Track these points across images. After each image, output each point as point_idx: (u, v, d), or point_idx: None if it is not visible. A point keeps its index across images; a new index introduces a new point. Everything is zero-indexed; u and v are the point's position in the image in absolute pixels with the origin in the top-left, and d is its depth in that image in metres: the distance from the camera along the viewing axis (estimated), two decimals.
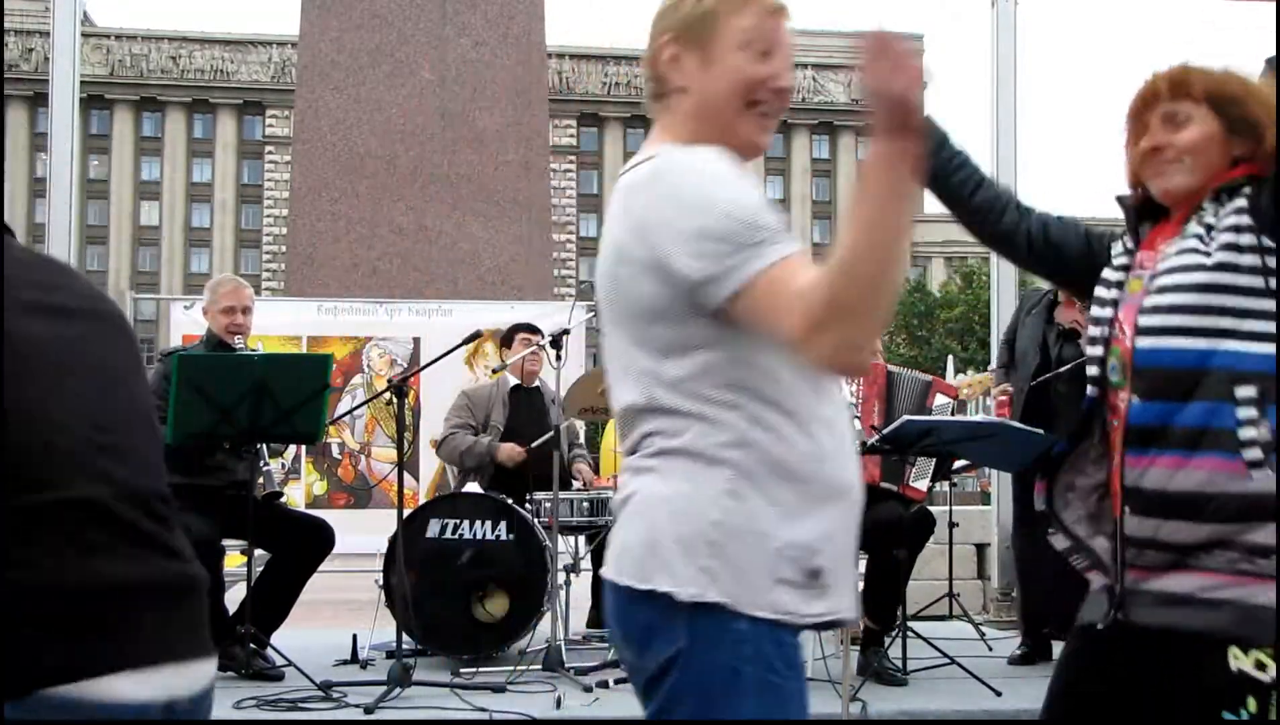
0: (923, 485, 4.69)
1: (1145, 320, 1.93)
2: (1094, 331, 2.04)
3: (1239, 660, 1.75)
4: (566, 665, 4.57)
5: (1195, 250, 1.93)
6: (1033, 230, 2.19)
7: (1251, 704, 1.74)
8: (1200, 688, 1.80)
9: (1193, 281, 1.90)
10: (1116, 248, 2.12)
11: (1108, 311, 2.02)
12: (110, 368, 1.34)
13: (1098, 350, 2.01)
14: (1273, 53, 4.34)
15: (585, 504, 5.32)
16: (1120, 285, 2.03)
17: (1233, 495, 1.79)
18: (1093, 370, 2.03)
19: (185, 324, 8.15)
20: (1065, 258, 2.19)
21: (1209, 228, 1.94)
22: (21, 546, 1.15)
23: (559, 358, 4.92)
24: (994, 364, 5.59)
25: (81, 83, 7.50)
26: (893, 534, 4.47)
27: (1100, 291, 2.06)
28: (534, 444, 5.37)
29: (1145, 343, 1.91)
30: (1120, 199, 2.16)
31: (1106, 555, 1.93)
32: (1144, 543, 1.86)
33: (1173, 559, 1.83)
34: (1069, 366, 4.65)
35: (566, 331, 5.00)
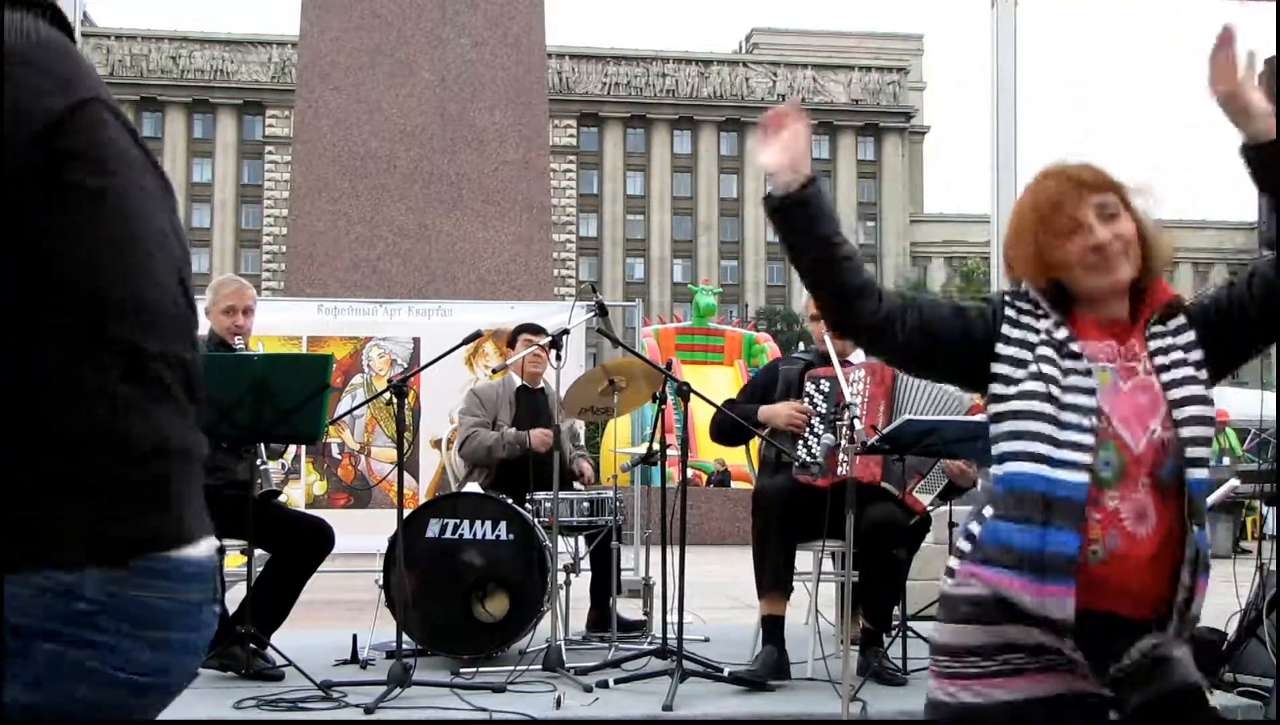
0: (926, 500, 4.70)
1: (1192, 452, 1.97)
2: (1073, 418, 1.96)
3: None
4: (566, 665, 4.57)
5: (1193, 379, 2.01)
6: (907, 318, 2.08)
7: None
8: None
9: (1206, 414, 1.99)
10: (1017, 320, 2.06)
11: (1086, 400, 1.96)
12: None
13: (1086, 438, 1.94)
14: (1273, 53, 4.35)
15: (585, 504, 5.32)
16: (1071, 372, 1.98)
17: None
18: (1082, 457, 1.94)
19: None
20: (939, 345, 2.10)
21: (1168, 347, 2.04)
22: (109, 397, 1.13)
23: (559, 358, 4.92)
24: None
25: None
26: (890, 534, 4.47)
27: (1067, 363, 1.99)
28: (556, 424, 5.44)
29: (1194, 474, 1.96)
30: (1037, 290, 2.08)
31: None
32: (1148, 649, 1.95)
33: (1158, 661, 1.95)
34: None
35: (566, 331, 5.00)
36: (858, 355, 4.86)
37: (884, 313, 2.06)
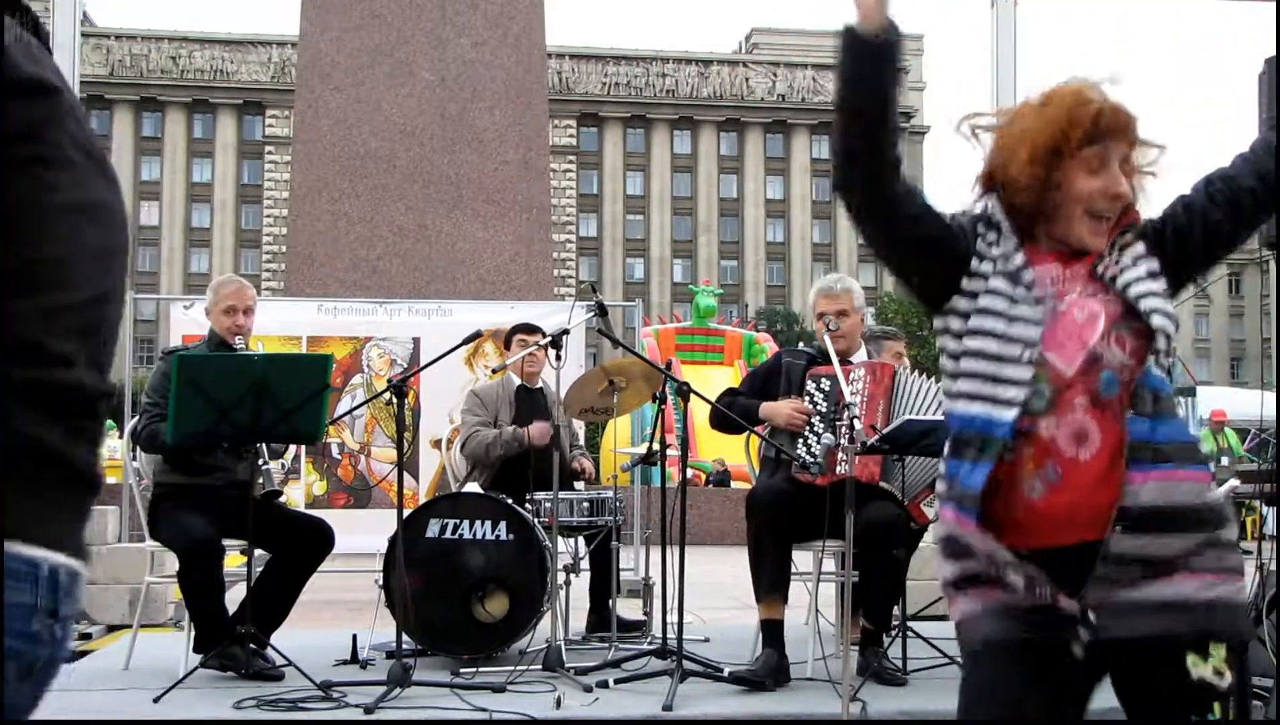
0: (931, 514, 4.68)
1: (1154, 346, 1.90)
2: (1014, 351, 1.90)
3: (1199, 668, 1.81)
4: (566, 665, 4.57)
5: (1149, 288, 1.94)
6: (916, 201, 2.01)
7: (1216, 709, 1.82)
8: (1162, 697, 1.86)
9: (1166, 309, 1.93)
10: (991, 245, 2.00)
11: (1030, 331, 1.90)
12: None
13: (1024, 372, 1.88)
14: (1273, 53, 4.35)
15: (585, 504, 5.32)
16: (1020, 302, 1.93)
17: (1212, 503, 1.88)
18: (1014, 392, 1.88)
19: (185, 324, 8.14)
20: (931, 241, 2.02)
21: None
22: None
23: (559, 358, 4.92)
24: None
25: (81, 83, 7.50)
26: (890, 534, 4.47)
27: (1019, 292, 1.94)
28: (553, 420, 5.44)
29: (1152, 371, 1.90)
30: (994, 207, 2.02)
31: (1020, 573, 1.86)
32: (1130, 559, 1.84)
33: (1155, 570, 1.84)
34: None
35: (566, 331, 4.99)
36: (859, 355, 4.86)
37: (905, 188, 1.98)
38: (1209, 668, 1.81)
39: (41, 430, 1.10)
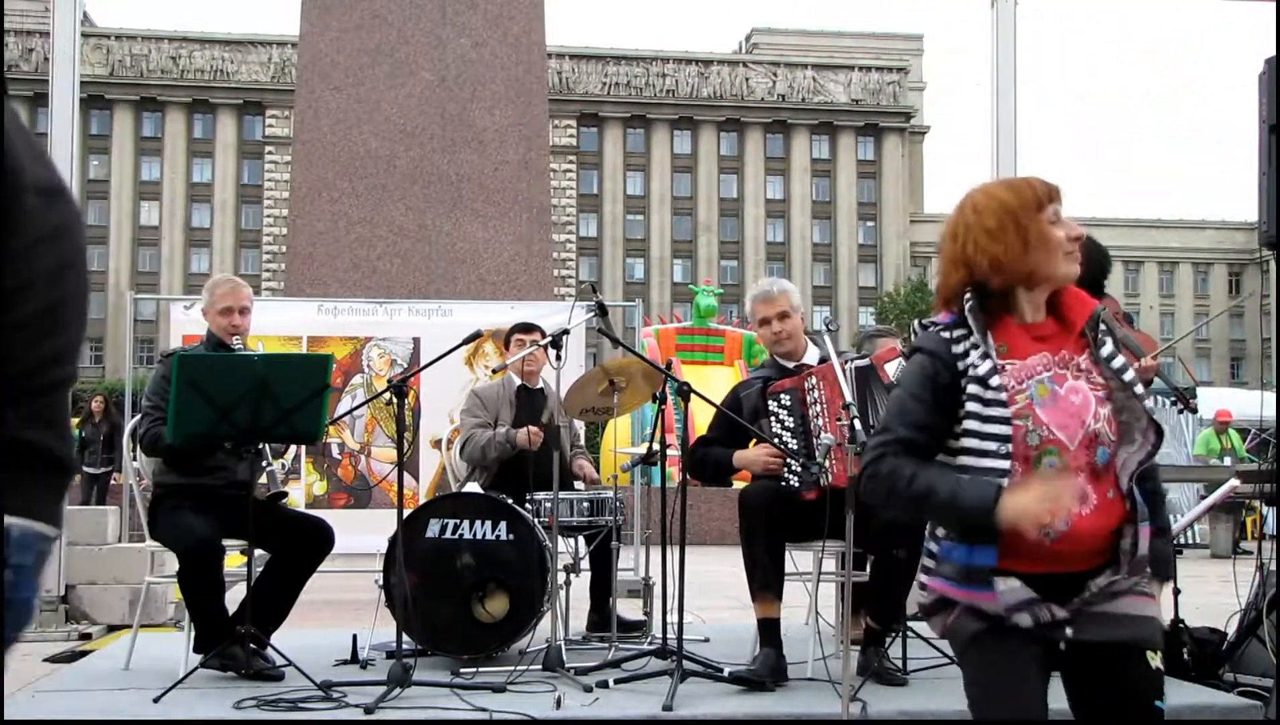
0: None
1: (1128, 435, 2.37)
2: (991, 446, 2.31)
3: (1155, 661, 2.36)
4: (566, 665, 4.57)
5: (1121, 380, 2.39)
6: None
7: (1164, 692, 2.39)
8: (1130, 685, 2.35)
9: (1134, 405, 2.39)
10: (965, 352, 2.36)
11: (1001, 428, 2.30)
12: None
13: (1002, 463, 2.29)
14: (1273, 53, 4.35)
15: (585, 504, 5.32)
16: (992, 403, 2.31)
17: (1151, 544, 2.40)
18: (998, 481, 2.28)
19: (185, 324, 8.15)
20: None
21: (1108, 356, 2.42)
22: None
23: (559, 358, 4.92)
24: None
25: (81, 83, 7.50)
26: (892, 534, 4.47)
27: (989, 394, 2.31)
28: (543, 420, 5.45)
29: (1127, 452, 2.36)
30: (968, 310, 2.38)
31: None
32: (1104, 585, 2.35)
33: (1118, 593, 2.36)
34: None
35: (566, 331, 4.99)
36: (810, 354, 4.84)
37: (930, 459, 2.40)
38: (1159, 659, 2.37)
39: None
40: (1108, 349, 2.42)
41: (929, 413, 2.35)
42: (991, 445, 2.30)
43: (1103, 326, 2.44)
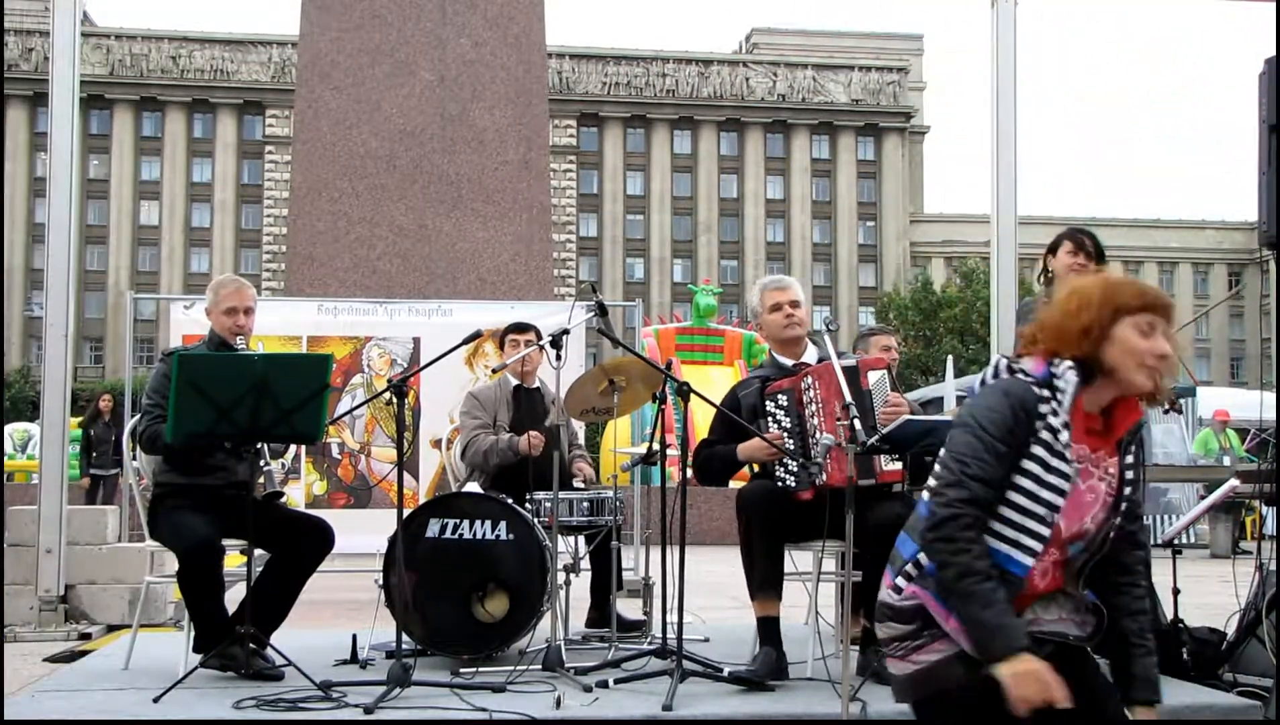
0: (897, 465, 4.63)
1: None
2: (1041, 510, 2.47)
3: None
4: (566, 665, 4.57)
5: (1134, 489, 2.62)
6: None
7: None
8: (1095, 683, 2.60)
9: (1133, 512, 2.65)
10: (1052, 421, 2.48)
11: (1056, 498, 2.47)
12: None
13: (1044, 529, 2.47)
14: (1273, 53, 4.35)
15: (585, 504, 5.32)
16: (1055, 472, 2.47)
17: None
18: (1034, 544, 2.48)
19: (185, 324, 8.15)
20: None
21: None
22: None
23: (559, 358, 4.91)
24: None
25: (81, 82, 7.50)
26: (893, 535, 4.46)
27: (1060, 465, 2.47)
28: (546, 424, 5.44)
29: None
30: (1065, 378, 2.49)
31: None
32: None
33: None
34: None
35: (566, 331, 4.98)
36: (809, 354, 4.84)
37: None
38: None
39: None
40: (1130, 460, 2.58)
41: (1003, 464, 2.45)
42: (1041, 510, 2.45)
43: (1138, 438, 2.60)
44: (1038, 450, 2.45)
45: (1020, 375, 2.52)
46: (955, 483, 2.43)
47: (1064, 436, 2.45)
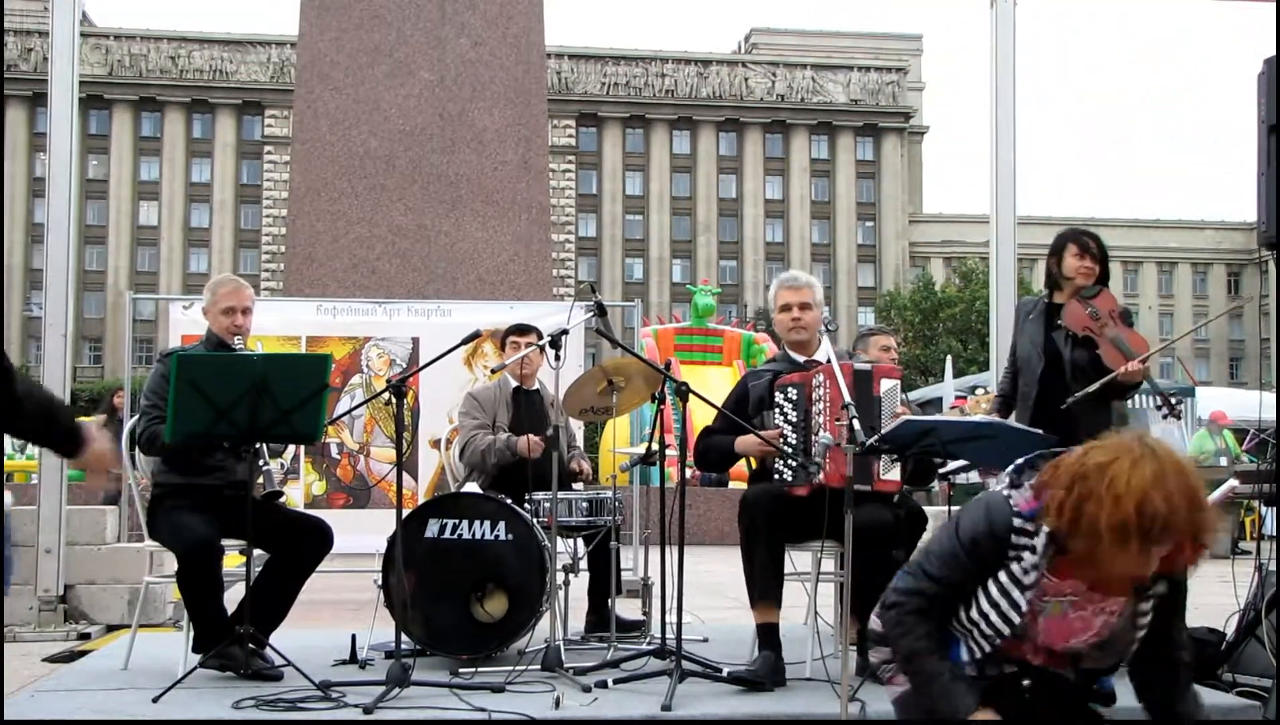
0: (895, 475, 4.64)
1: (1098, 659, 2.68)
2: (989, 631, 2.59)
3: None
4: (566, 665, 4.57)
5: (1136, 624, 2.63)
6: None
7: None
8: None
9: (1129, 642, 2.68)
10: (1021, 547, 2.55)
11: (1004, 628, 2.57)
12: None
13: (985, 646, 2.61)
14: (1273, 53, 4.35)
15: (585, 504, 5.32)
16: (1030, 589, 2.54)
17: None
18: (985, 644, 2.62)
19: (184, 324, 8.14)
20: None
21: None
22: None
23: (558, 358, 4.91)
24: (994, 390, 5.61)
25: (81, 83, 7.50)
26: (886, 535, 4.45)
27: (1018, 597, 2.55)
28: (549, 432, 5.44)
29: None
30: (1046, 538, 2.52)
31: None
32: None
33: None
34: (1097, 385, 4.70)
35: (565, 332, 4.98)
36: (822, 352, 4.85)
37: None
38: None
39: None
40: (1145, 607, 2.60)
41: (962, 571, 2.57)
42: (988, 629, 2.58)
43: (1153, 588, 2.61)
44: (1003, 577, 2.54)
45: (1011, 504, 2.57)
46: (914, 573, 2.63)
47: (1030, 578, 2.52)
